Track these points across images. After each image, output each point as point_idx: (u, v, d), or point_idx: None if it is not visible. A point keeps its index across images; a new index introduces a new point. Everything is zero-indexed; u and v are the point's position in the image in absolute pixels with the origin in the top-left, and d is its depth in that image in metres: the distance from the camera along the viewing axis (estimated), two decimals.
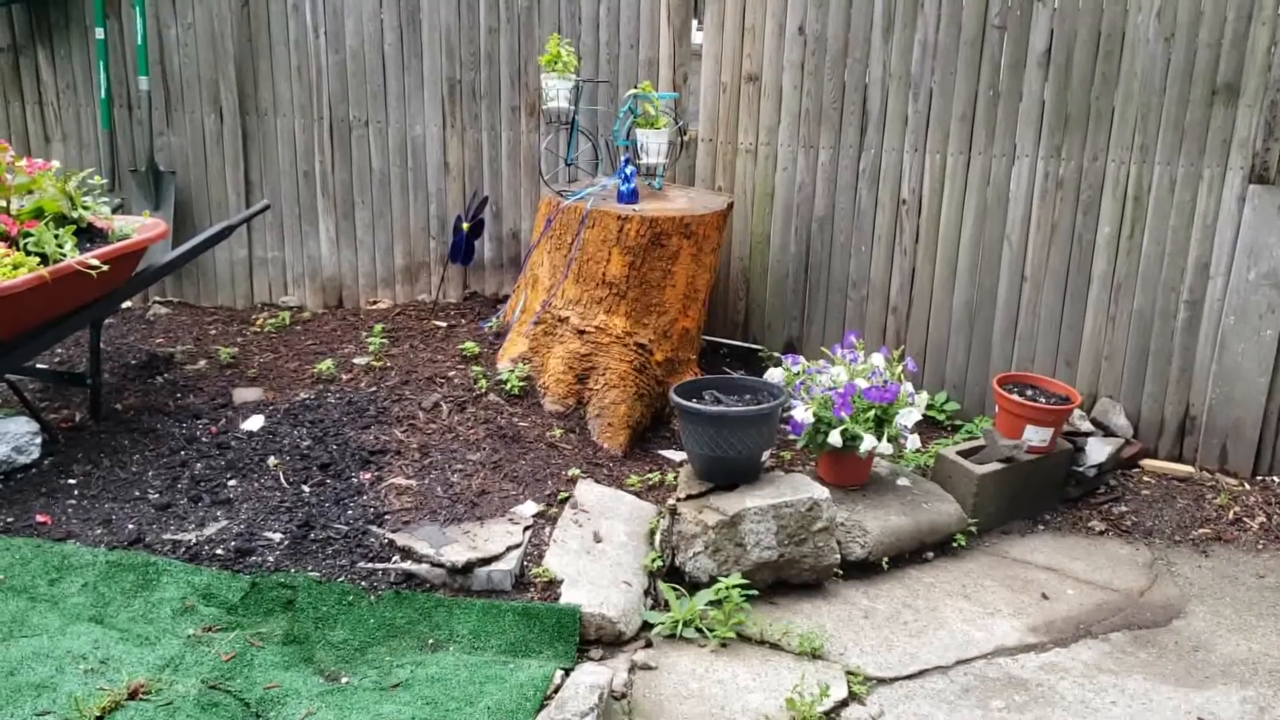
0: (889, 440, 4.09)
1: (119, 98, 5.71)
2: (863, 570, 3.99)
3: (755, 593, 3.67)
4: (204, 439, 4.31)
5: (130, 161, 5.77)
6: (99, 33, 5.55)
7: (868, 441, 4.02)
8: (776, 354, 5.39)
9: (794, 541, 3.77)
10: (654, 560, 3.78)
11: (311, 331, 5.47)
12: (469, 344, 4.99)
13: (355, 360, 4.97)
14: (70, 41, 5.71)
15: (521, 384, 4.67)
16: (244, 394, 4.71)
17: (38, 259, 3.94)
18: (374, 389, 4.69)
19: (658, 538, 3.87)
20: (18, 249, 3.98)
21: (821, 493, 3.85)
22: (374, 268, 5.84)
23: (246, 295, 5.93)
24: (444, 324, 5.41)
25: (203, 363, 5.07)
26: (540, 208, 4.97)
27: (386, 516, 3.82)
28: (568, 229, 4.70)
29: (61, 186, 4.27)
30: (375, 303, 5.81)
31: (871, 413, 4.08)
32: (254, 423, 4.39)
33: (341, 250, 5.81)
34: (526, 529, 3.81)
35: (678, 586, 3.73)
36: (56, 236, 4.06)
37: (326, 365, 4.84)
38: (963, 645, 3.60)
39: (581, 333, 4.67)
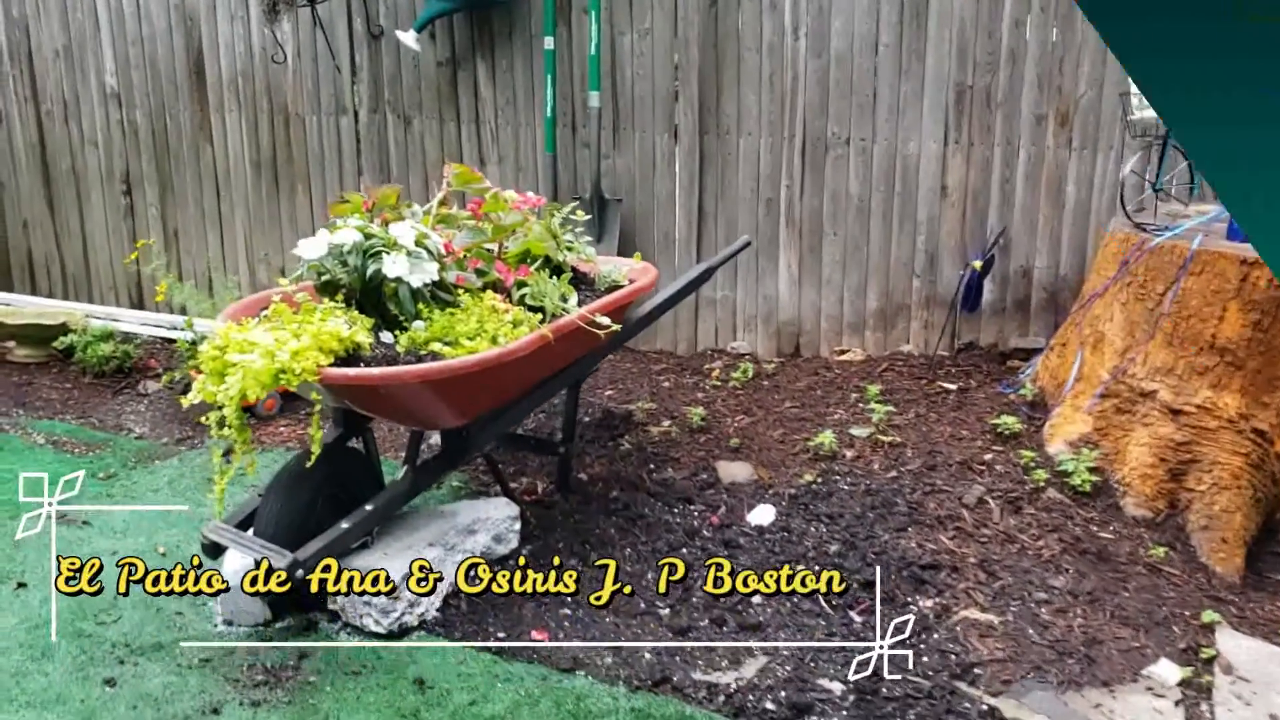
0: None
1: (561, 115, 5.08)
2: None
3: None
4: (705, 532, 3.50)
5: (571, 187, 5.14)
6: (548, 42, 4.93)
7: None
8: None
9: None
10: None
11: (782, 389, 4.59)
12: (1006, 418, 3.92)
13: (853, 431, 4.04)
14: (512, 53, 5.13)
15: (1092, 478, 3.58)
16: (730, 470, 3.89)
17: (536, 314, 3.25)
18: (893, 474, 3.74)
19: None
20: (510, 300, 3.32)
21: None
22: (840, 310, 4.91)
23: (689, 339, 5.15)
24: (951, 386, 4.39)
25: (667, 423, 4.31)
26: (1107, 244, 3.87)
27: (976, 669, 2.85)
28: (1156, 274, 3.57)
29: (547, 225, 3.59)
30: (843, 352, 4.87)
31: None
32: (762, 514, 3.54)
33: (803, 290, 4.92)
34: (1177, 704, 2.73)
35: None
36: (553, 285, 3.36)
37: (826, 438, 3.93)
38: None
39: (1176, 413, 3.52)
